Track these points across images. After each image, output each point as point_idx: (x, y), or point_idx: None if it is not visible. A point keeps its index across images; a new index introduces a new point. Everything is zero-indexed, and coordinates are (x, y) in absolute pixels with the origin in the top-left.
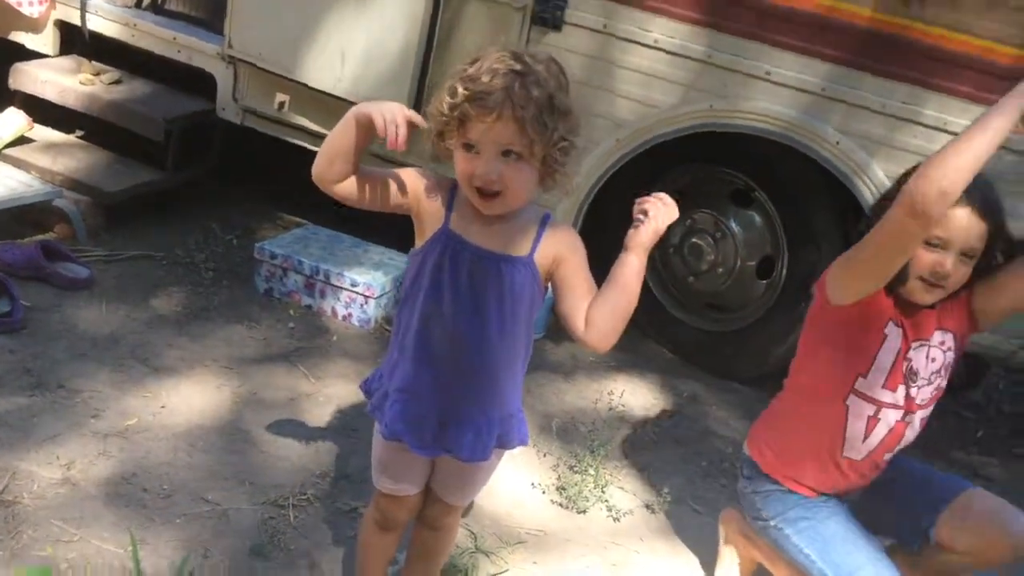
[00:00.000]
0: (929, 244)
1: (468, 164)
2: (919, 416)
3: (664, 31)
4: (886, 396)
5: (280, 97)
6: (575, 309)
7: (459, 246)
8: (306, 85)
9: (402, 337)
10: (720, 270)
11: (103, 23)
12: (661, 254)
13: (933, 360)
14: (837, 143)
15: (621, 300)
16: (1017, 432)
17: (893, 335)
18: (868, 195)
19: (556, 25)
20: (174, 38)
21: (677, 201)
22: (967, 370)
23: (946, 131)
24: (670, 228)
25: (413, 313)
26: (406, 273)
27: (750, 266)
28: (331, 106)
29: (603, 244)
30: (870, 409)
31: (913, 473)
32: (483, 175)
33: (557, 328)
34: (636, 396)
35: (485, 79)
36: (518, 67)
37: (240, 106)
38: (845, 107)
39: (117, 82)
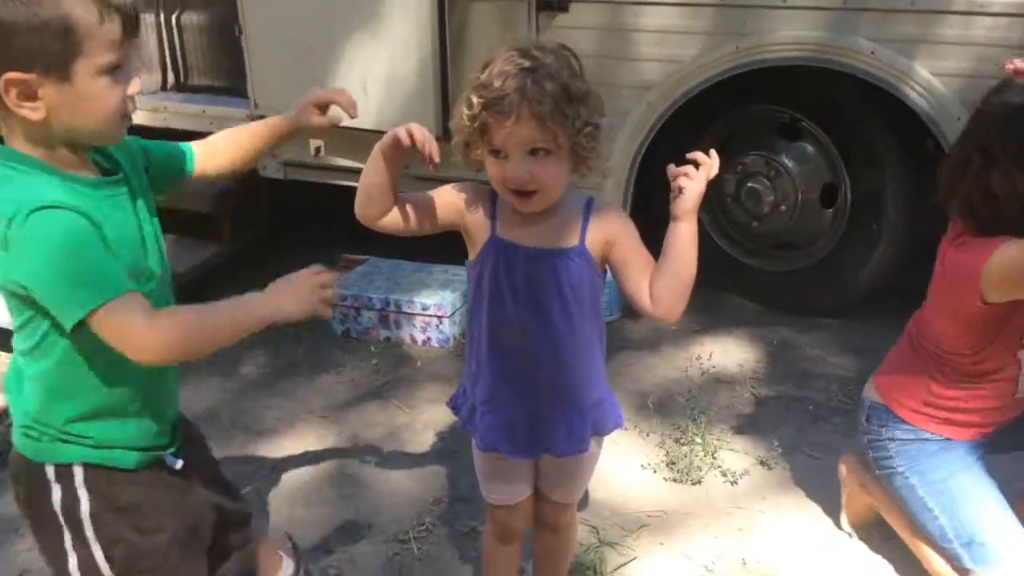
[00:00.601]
0: None
1: (499, 169)
2: None
3: None
4: None
5: (315, 143)
6: (639, 287)
7: (510, 251)
8: (335, 125)
9: (476, 349)
10: (783, 208)
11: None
12: (720, 204)
13: None
14: (872, 53)
15: (682, 269)
16: None
17: None
18: (917, 99)
19: (563, 6)
20: (203, 111)
21: (721, 151)
22: None
23: (983, 13)
24: (723, 177)
25: (481, 324)
26: (468, 287)
27: (812, 198)
28: (364, 140)
29: (662, 210)
30: None
31: None
32: (514, 178)
33: (632, 306)
34: (727, 354)
35: (497, 84)
36: (527, 64)
37: (280, 162)
38: (872, 15)
39: None
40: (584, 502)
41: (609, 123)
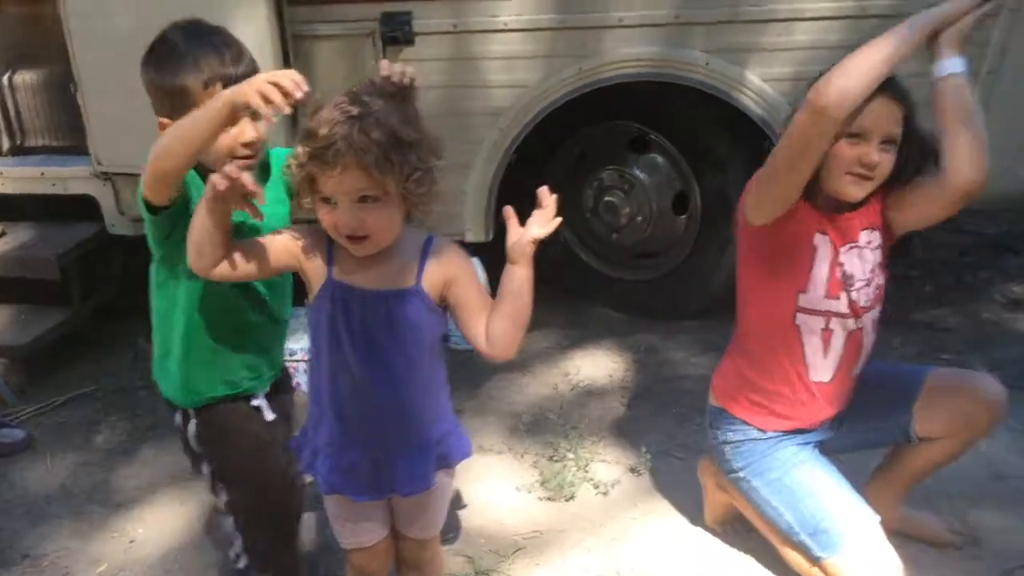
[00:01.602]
0: (850, 137)
1: (330, 217)
2: (869, 319)
3: (512, 12)
4: (830, 305)
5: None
6: (474, 328)
7: (346, 293)
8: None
9: (316, 392)
10: (639, 219)
11: None
12: (580, 220)
13: (865, 260)
14: (707, 64)
15: (517, 313)
16: (959, 272)
17: (822, 244)
18: (752, 105)
19: (408, 40)
20: (42, 173)
21: (577, 168)
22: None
23: (803, 19)
24: (583, 193)
25: (321, 368)
26: (308, 331)
27: (666, 207)
28: None
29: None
30: (820, 322)
31: (882, 382)
32: (345, 225)
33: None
34: (596, 366)
35: (323, 132)
36: (355, 111)
37: (128, 217)
38: (703, 27)
39: (1, 235)
40: (458, 532)
41: (466, 150)
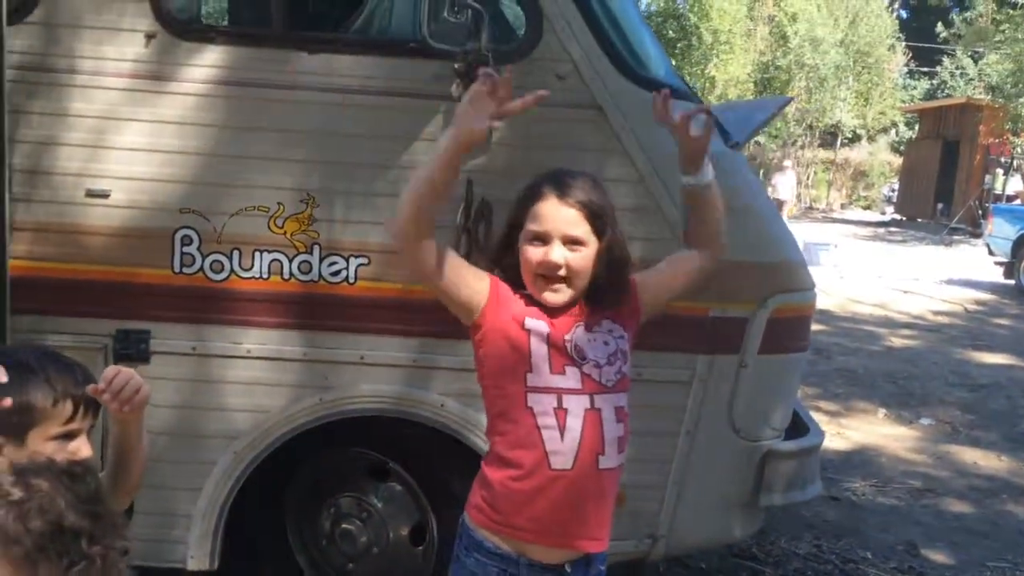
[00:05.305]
0: (533, 242)
1: None
2: (610, 402)
3: (256, 340)
4: (558, 380)
5: None
6: None
7: None
8: None
9: None
10: (375, 549)
11: None
12: (316, 546)
13: (606, 343)
14: (442, 405)
15: None
16: None
17: (536, 326)
18: (484, 446)
19: (143, 358)
20: None
21: (313, 494)
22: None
23: None
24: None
25: None
26: None
27: (403, 536)
28: None
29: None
30: (551, 400)
31: None
32: None
33: None
34: None
35: None
36: (16, 495)
37: None
38: (442, 372)
39: None
40: None
41: (196, 471)
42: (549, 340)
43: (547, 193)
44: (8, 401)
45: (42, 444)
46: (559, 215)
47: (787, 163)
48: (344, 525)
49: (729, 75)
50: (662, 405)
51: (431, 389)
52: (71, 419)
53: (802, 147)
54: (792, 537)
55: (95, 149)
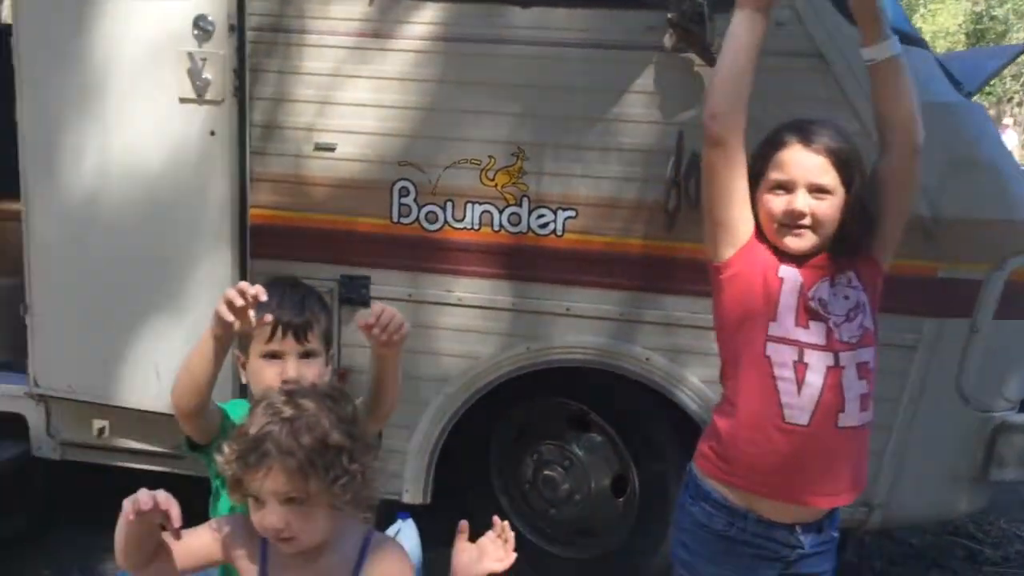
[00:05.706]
0: (775, 190)
1: (259, 517)
2: (852, 359)
3: (466, 289)
4: (802, 334)
5: (98, 423)
6: None
7: None
8: (124, 407)
9: None
10: (577, 497)
11: None
12: (519, 491)
13: (846, 297)
14: (647, 360)
15: None
16: None
17: (790, 275)
18: (689, 402)
19: (364, 302)
20: None
21: (518, 438)
22: None
23: None
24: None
25: None
26: None
27: (604, 486)
28: (152, 421)
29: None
30: (791, 352)
31: None
32: (270, 527)
33: None
34: None
35: (252, 431)
36: (287, 412)
37: (57, 441)
38: (647, 326)
39: None
40: None
41: (411, 410)
42: (800, 291)
43: (790, 140)
44: (269, 317)
45: (255, 361)
46: (804, 162)
47: (1007, 121)
48: (546, 472)
49: (938, 26)
50: (884, 369)
51: (636, 343)
52: (270, 339)
53: (1019, 104)
54: (1012, 518)
55: (323, 105)
